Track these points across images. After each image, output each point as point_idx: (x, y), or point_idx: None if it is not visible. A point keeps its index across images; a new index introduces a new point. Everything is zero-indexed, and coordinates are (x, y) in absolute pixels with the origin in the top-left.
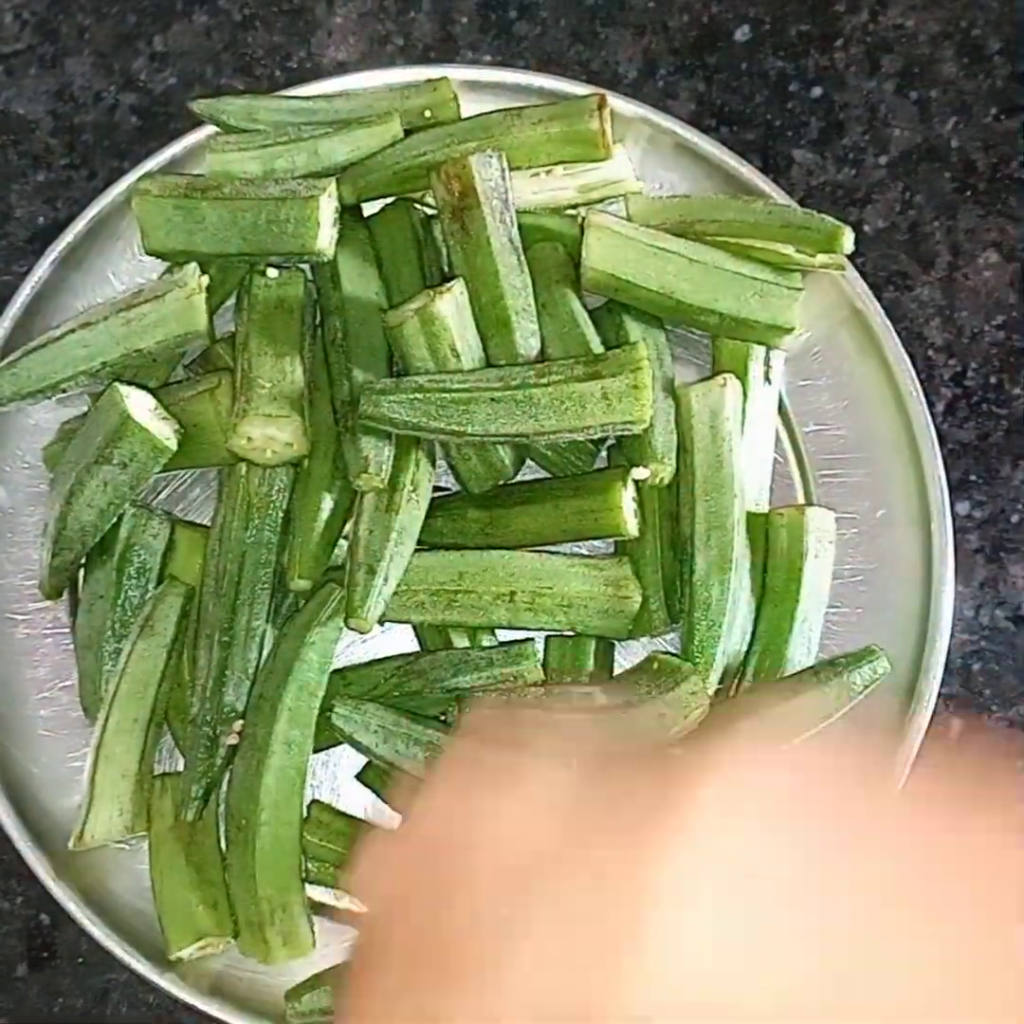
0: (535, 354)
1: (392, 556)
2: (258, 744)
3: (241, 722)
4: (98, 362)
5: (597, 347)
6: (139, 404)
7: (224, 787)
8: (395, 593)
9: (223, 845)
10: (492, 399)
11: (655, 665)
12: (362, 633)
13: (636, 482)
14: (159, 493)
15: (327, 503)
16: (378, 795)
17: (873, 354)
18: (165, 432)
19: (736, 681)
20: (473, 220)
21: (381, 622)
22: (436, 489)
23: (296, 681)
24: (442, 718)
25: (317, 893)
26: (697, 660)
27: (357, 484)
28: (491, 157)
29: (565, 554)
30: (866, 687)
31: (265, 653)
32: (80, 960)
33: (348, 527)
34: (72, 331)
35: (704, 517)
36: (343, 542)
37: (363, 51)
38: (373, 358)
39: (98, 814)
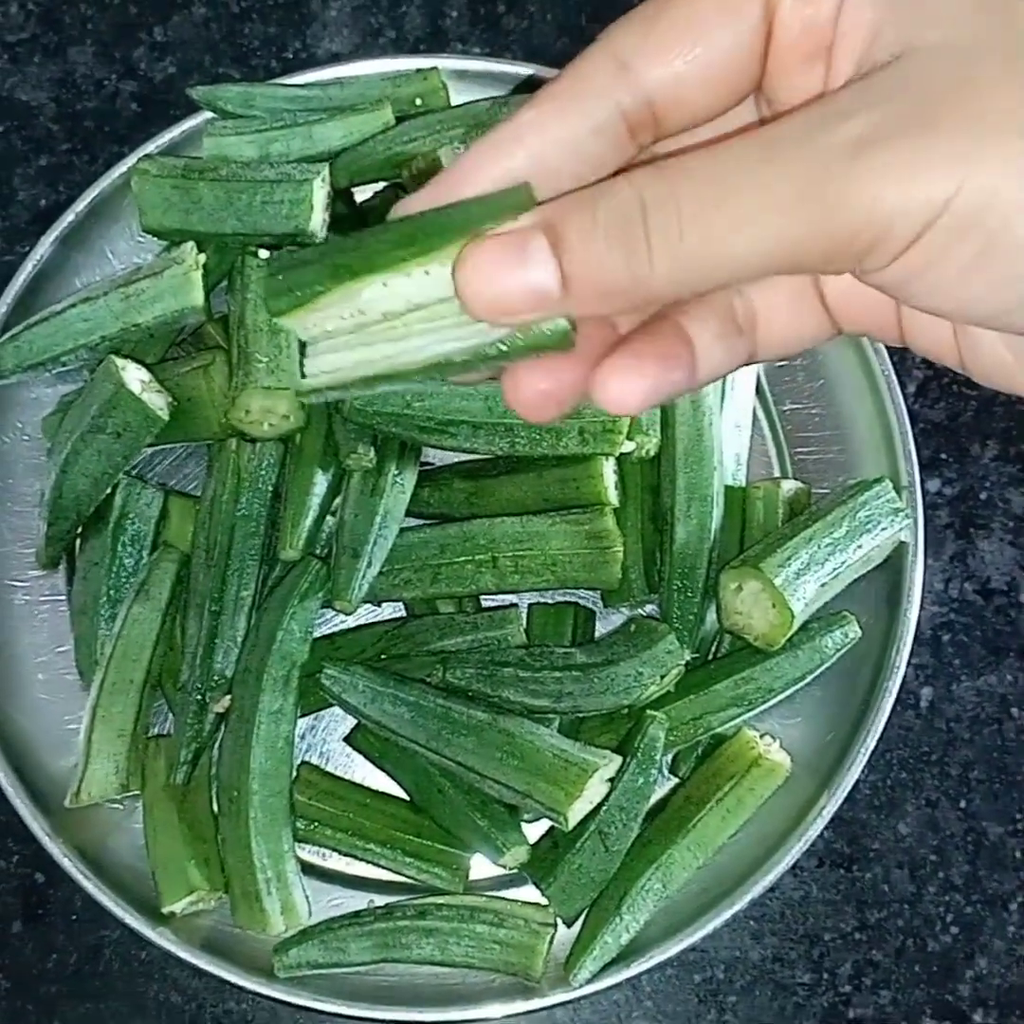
0: None
1: (376, 539)
2: (245, 716)
3: (229, 697)
4: (97, 336)
5: None
6: (133, 376)
7: (215, 754)
8: (381, 573)
9: (216, 816)
10: (474, 426)
11: (633, 626)
12: (347, 614)
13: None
14: (155, 467)
15: (319, 478)
16: (366, 757)
17: (848, 336)
18: (158, 403)
19: (713, 649)
20: None
21: (377, 603)
22: (422, 463)
23: (279, 652)
24: (427, 680)
25: (306, 853)
26: (676, 627)
27: (347, 463)
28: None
29: (546, 514)
30: (837, 650)
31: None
32: (74, 917)
33: (337, 502)
34: (73, 306)
35: (685, 488)
36: (331, 517)
37: (356, 43)
38: None
39: (94, 772)
